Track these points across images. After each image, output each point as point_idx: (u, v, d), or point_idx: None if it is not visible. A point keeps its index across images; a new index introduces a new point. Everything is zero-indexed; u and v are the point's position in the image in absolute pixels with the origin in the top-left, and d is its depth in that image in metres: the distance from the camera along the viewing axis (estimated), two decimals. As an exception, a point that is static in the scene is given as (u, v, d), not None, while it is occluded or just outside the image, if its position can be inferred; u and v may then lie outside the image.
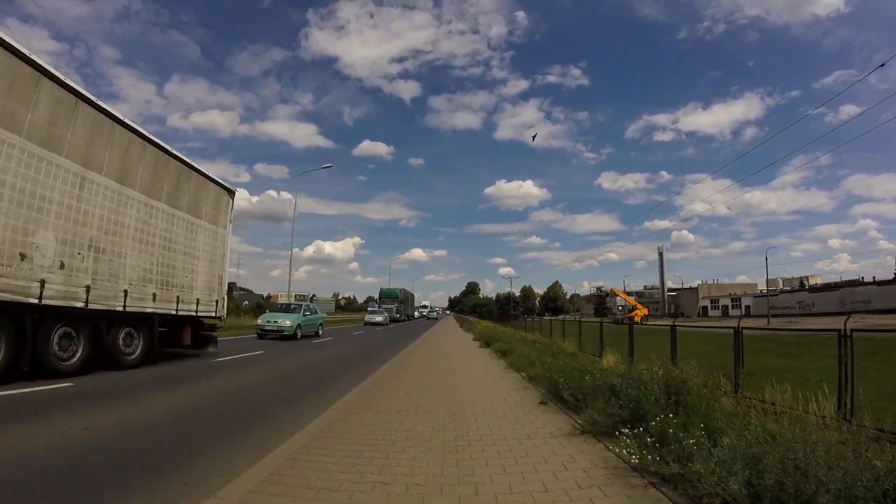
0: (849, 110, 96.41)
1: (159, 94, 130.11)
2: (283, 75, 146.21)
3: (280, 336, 20.10)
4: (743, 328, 7.17)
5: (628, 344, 10.50)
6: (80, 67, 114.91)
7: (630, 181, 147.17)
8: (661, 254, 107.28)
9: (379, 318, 42.27)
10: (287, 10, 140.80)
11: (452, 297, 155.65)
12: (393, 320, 47.15)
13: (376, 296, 54.58)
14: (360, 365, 12.68)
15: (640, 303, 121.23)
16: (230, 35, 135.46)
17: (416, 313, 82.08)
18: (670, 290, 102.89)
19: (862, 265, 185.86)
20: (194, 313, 12.35)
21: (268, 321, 20.56)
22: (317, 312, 24.43)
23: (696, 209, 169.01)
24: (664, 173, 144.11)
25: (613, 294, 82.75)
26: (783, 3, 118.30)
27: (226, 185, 14.16)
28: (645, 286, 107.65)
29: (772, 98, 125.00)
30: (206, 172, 13.21)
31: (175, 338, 12.40)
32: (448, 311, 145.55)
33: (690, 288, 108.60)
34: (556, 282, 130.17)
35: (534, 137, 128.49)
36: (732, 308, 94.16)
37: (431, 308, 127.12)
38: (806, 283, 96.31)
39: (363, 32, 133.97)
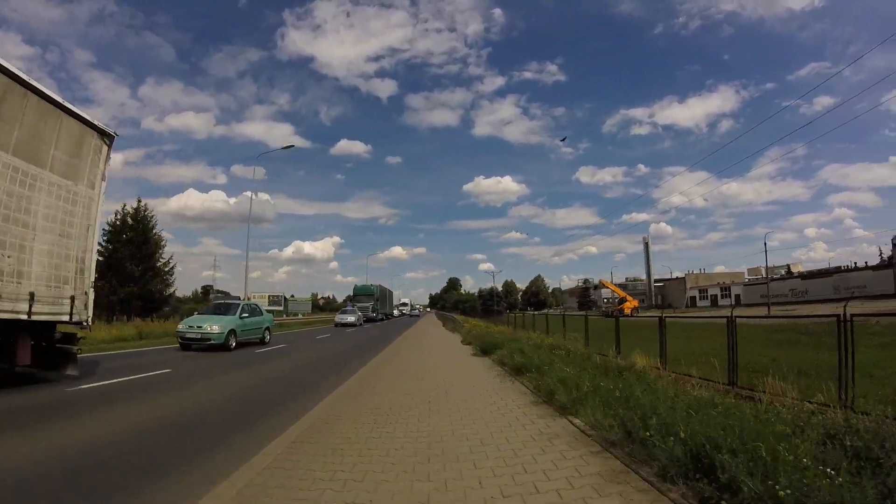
0: (823, 101, 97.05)
1: (134, 96, 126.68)
2: (260, 76, 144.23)
3: (207, 346, 15.35)
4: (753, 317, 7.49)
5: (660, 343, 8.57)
6: (54, 71, 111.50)
7: (608, 175, 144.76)
8: (646, 244, 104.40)
9: (350, 319, 37.50)
10: (263, 11, 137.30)
11: (433, 293, 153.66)
12: (368, 320, 43.00)
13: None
14: (298, 397, 8.01)
15: (629, 292, 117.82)
16: (206, 36, 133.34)
17: (396, 311, 77.30)
18: (656, 281, 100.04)
19: (838, 253, 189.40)
20: (25, 316, 7.67)
21: (189, 326, 15.65)
22: (261, 314, 19.50)
23: (674, 201, 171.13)
24: (642, 167, 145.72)
25: (602, 285, 79.12)
26: None
27: (97, 123, 9.40)
28: (627, 278, 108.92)
29: (747, 91, 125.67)
30: (59, 99, 8.50)
31: (3, 354, 7.80)
32: (429, 309, 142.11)
33: (677, 278, 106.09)
34: (539, 276, 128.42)
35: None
36: (722, 297, 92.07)
37: (412, 306, 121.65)
38: (789, 271, 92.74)
39: (340, 32, 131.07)
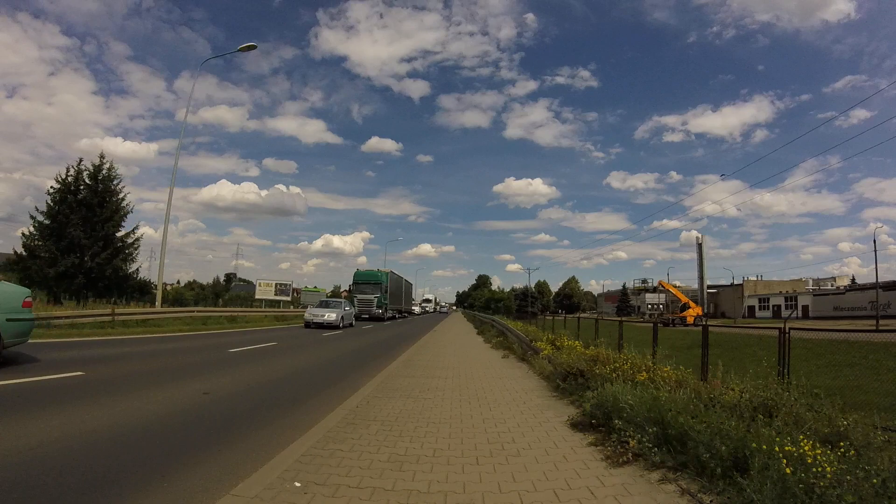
0: (860, 115, 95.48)
1: (169, 89, 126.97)
2: (293, 73, 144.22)
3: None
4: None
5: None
6: (91, 63, 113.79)
7: (639, 181, 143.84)
8: (699, 244, 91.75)
9: (330, 317, 25.57)
10: (297, 10, 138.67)
11: (460, 291, 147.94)
12: (373, 318, 32.31)
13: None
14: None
15: (675, 299, 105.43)
16: (240, 33, 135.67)
17: (417, 308, 67.54)
18: (708, 287, 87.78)
19: (871, 270, 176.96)
20: None
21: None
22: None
23: (706, 210, 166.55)
24: (674, 174, 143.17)
25: (661, 288, 68.03)
26: (793, 9, 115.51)
27: None
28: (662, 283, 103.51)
29: (782, 102, 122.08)
30: None
31: None
32: (455, 307, 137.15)
33: (732, 285, 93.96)
34: (573, 277, 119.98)
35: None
36: (786, 308, 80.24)
37: (438, 303, 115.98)
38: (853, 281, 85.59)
39: (373, 32, 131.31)
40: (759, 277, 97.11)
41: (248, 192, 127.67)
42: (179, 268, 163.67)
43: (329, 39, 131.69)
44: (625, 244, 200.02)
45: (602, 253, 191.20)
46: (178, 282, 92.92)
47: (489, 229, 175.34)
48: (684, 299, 62.38)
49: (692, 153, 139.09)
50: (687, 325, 40.92)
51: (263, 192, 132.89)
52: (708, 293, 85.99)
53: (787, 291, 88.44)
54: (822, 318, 62.17)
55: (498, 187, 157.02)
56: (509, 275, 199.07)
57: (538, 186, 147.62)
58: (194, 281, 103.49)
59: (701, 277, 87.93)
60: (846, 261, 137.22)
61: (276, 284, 43.76)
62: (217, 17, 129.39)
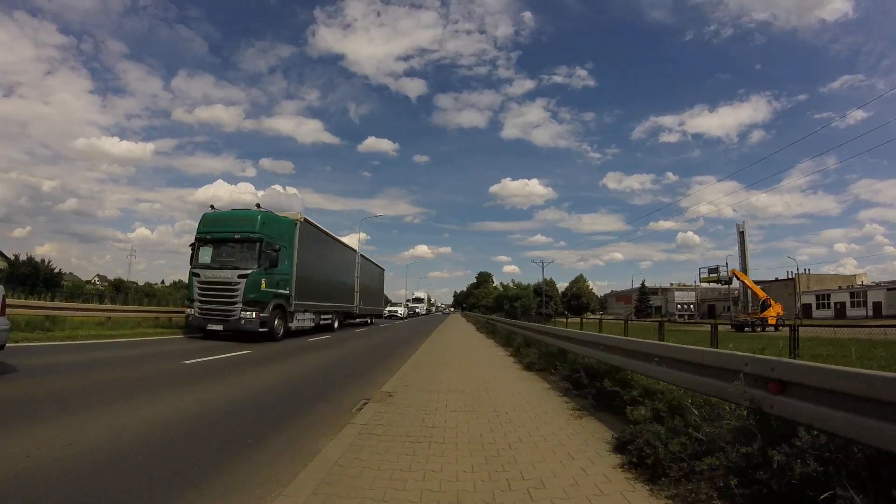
0: (857, 115, 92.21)
1: (166, 88, 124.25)
2: (290, 72, 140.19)
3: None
4: None
5: None
6: (88, 62, 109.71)
7: (636, 182, 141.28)
8: (741, 232, 72.72)
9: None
10: (294, 8, 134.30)
11: (458, 291, 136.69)
12: (237, 330, 12.58)
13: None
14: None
15: (709, 298, 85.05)
16: (237, 31, 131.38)
17: (402, 310, 47.64)
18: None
19: (867, 270, 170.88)
20: None
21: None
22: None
23: (702, 211, 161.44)
24: (670, 174, 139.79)
25: (735, 278, 49.47)
26: (791, 7, 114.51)
27: None
28: (673, 283, 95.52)
29: (779, 101, 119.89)
30: None
31: None
32: (453, 309, 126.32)
33: (782, 280, 75.58)
34: (580, 276, 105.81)
35: None
36: (852, 305, 62.10)
37: (434, 304, 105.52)
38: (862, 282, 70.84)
39: (370, 30, 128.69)
40: (808, 271, 79.00)
41: (245, 192, 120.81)
42: (176, 268, 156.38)
43: (326, 38, 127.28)
44: (621, 245, 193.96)
45: (598, 254, 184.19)
46: (163, 281, 78.19)
47: (486, 230, 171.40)
48: (763, 295, 44.08)
49: (689, 154, 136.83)
50: (766, 328, 30.33)
51: (260, 193, 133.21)
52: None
53: (850, 286, 70.45)
54: (902, 316, 45.95)
55: (494, 188, 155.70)
56: (506, 276, 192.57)
57: (535, 187, 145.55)
58: (180, 280, 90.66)
59: (744, 272, 68.62)
60: (842, 262, 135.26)
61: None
62: (214, 15, 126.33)
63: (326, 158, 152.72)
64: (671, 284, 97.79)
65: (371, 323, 27.01)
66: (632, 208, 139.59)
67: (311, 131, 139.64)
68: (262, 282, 12.79)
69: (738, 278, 49.01)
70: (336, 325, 19.17)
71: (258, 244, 12.90)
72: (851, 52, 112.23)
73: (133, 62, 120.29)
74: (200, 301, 13.00)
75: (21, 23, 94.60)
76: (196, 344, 11.79)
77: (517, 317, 36.21)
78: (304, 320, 15.42)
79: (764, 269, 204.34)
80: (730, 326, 31.79)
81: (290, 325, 14.36)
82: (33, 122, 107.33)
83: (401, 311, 45.94)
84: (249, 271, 12.67)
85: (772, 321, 31.99)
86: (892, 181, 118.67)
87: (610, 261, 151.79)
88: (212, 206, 14.18)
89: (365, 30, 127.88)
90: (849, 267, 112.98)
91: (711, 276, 50.29)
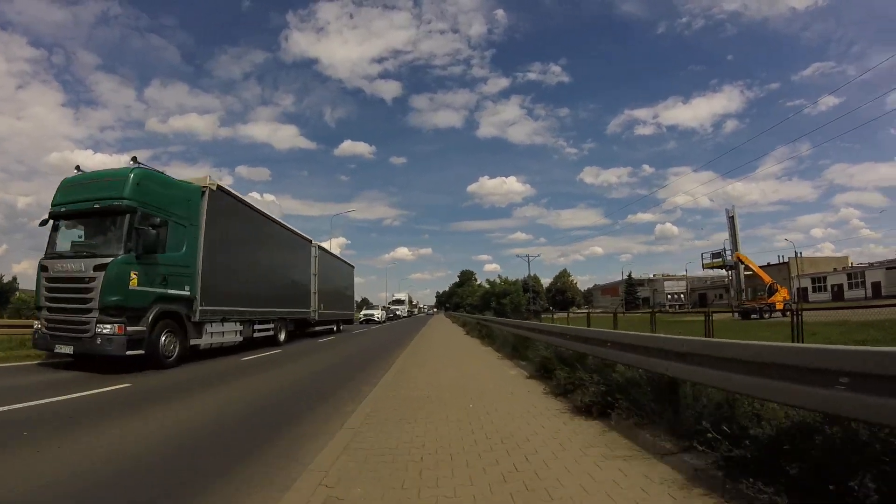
0: (828, 101, 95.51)
1: (139, 98, 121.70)
2: (264, 77, 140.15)
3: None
4: None
5: None
6: (59, 74, 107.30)
7: (613, 175, 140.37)
8: (731, 217, 69.92)
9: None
10: (267, 13, 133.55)
11: (440, 291, 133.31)
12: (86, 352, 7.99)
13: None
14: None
15: (699, 287, 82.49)
16: (210, 38, 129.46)
17: (378, 313, 42.02)
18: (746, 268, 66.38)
19: (844, 253, 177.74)
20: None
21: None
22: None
23: (679, 202, 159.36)
24: (647, 167, 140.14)
25: (739, 262, 46.10)
26: None
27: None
28: (660, 274, 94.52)
29: (751, 91, 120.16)
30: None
31: None
32: (436, 310, 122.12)
33: (771, 265, 73.49)
34: (564, 270, 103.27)
35: None
36: (850, 287, 60.15)
37: (416, 305, 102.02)
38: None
39: (343, 33, 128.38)
40: (799, 254, 76.77)
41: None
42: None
43: (299, 42, 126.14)
44: (601, 239, 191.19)
45: (578, 249, 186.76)
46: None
47: (465, 230, 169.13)
48: (768, 279, 41.03)
49: (664, 146, 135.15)
50: (773, 314, 27.66)
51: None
52: (745, 275, 64.29)
53: (845, 267, 69.08)
54: (897, 296, 44.10)
55: (472, 187, 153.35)
56: (487, 275, 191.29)
57: (512, 185, 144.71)
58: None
59: (724, 258, 65.95)
60: (820, 246, 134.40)
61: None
62: (186, 23, 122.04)
63: (303, 163, 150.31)
64: (654, 275, 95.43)
65: (338, 331, 22.23)
66: (610, 202, 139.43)
67: (286, 137, 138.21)
68: (132, 275, 8.02)
69: (742, 262, 45.60)
70: (283, 336, 14.34)
71: (127, 217, 8.15)
72: (822, 40, 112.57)
73: (105, 73, 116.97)
74: (48, 309, 8.28)
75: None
76: (45, 376, 7.46)
77: (506, 315, 31.89)
78: (222, 333, 10.61)
79: (747, 253, 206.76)
80: (735, 314, 28.91)
81: (195, 341, 9.62)
82: (7, 137, 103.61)
83: (378, 314, 40.98)
84: (110, 259, 7.93)
85: (779, 306, 29.21)
86: (865, 164, 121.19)
87: (590, 255, 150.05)
88: (77, 168, 9.29)
89: (338, 33, 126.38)
90: (826, 251, 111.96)
91: (715, 261, 46.67)
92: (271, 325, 13.36)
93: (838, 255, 76.49)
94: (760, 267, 62.70)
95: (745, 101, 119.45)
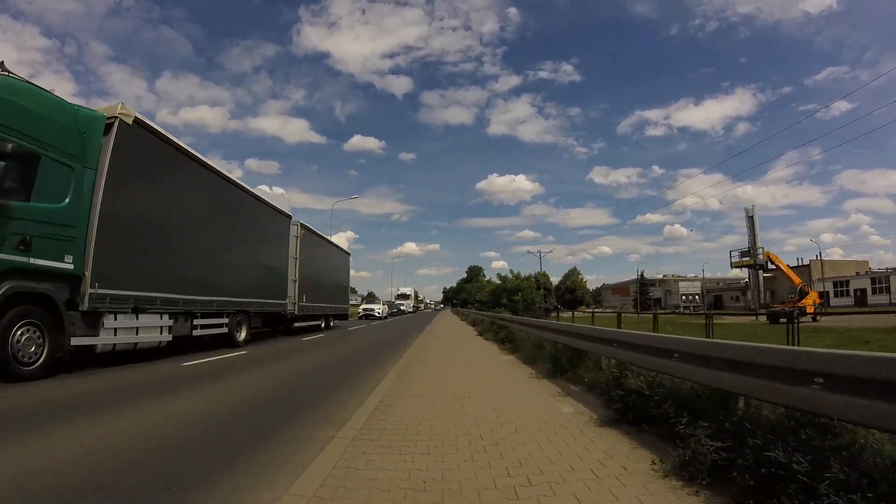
0: (841, 106, 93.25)
1: (150, 90, 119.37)
2: (275, 71, 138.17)
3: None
4: None
5: None
6: (71, 64, 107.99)
7: (622, 176, 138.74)
8: (751, 217, 66.73)
9: None
10: (279, 6, 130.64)
11: (447, 287, 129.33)
12: None
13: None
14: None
15: (714, 288, 79.24)
16: (222, 31, 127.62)
17: (379, 308, 37.19)
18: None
19: (855, 259, 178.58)
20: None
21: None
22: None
23: (689, 203, 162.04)
24: (656, 168, 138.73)
25: (770, 261, 42.96)
26: (775, 0, 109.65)
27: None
28: (665, 274, 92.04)
29: (763, 94, 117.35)
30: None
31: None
32: (443, 306, 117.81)
33: (791, 267, 68.98)
34: (574, 269, 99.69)
35: None
36: (874, 292, 56.31)
37: (422, 300, 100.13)
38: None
39: (355, 28, 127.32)
40: (818, 257, 73.44)
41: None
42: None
43: (311, 36, 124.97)
44: (609, 239, 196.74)
45: (586, 248, 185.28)
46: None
47: (473, 227, 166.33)
48: (798, 281, 37.80)
49: (675, 147, 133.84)
50: (806, 313, 24.75)
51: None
52: (763, 277, 61.20)
53: (868, 272, 66.20)
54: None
55: (481, 184, 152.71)
56: (495, 272, 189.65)
57: (522, 183, 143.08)
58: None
59: (754, 257, 62.59)
60: (828, 251, 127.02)
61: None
62: (197, 16, 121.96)
63: (313, 158, 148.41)
64: (664, 276, 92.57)
65: (327, 327, 19.01)
66: (619, 202, 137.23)
67: (296, 131, 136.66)
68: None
69: (772, 262, 42.21)
70: (243, 334, 11.12)
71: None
72: (835, 45, 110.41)
73: (117, 64, 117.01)
74: None
75: (4, 27, 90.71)
76: None
77: (518, 313, 28.82)
78: (134, 330, 7.40)
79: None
80: (758, 317, 26.81)
81: (84, 340, 6.45)
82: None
83: (379, 309, 36.85)
84: None
85: (810, 310, 26.82)
86: (876, 171, 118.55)
87: (598, 254, 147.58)
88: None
89: (350, 28, 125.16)
90: (834, 257, 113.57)
91: (745, 259, 43.37)
92: (224, 321, 10.13)
93: (859, 259, 73.17)
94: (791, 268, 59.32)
95: (758, 104, 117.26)
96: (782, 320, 26.65)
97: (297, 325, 15.19)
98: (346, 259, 23.02)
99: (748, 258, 42.12)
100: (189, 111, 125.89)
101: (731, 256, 44.75)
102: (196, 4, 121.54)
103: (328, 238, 19.17)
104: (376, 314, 35.19)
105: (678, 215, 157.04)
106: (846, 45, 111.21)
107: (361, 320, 32.33)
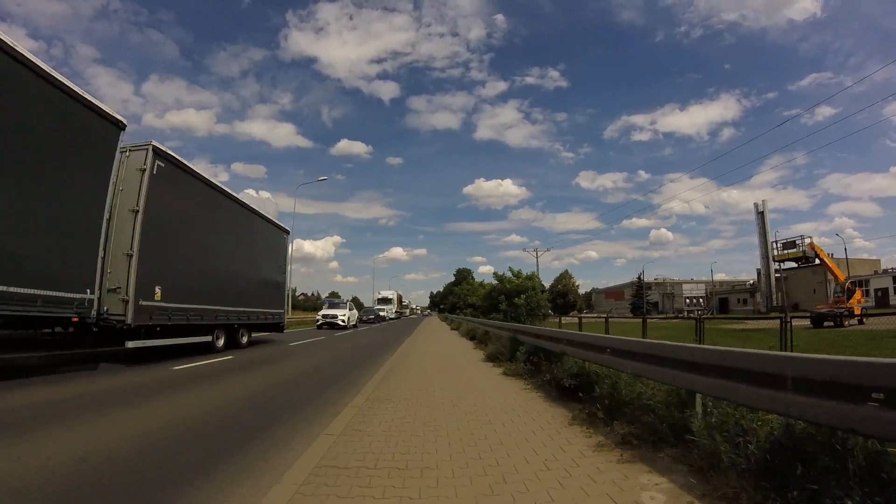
0: (825, 112, 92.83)
1: (137, 93, 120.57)
2: (263, 75, 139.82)
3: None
4: None
5: None
6: (58, 66, 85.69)
7: (608, 180, 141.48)
8: (761, 213, 61.92)
9: None
10: (267, 11, 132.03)
11: (434, 291, 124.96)
12: None
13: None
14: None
15: (719, 291, 72.16)
16: (209, 35, 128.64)
17: (344, 315, 28.28)
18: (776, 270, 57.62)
19: (865, 258, 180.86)
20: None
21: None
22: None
23: (675, 208, 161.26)
24: (642, 173, 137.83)
25: (814, 253, 36.99)
26: (760, 7, 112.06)
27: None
28: (657, 277, 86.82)
29: (748, 100, 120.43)
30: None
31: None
32: (429, 311, 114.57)
33: (805, 265, 64.02)
34: (566, 272, 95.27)
35: None
36: None
37: (407, 306, 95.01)
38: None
39: (342, 34, 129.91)
40: (832, 256, 68.26)
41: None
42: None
43: (299, 41, 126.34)
44: (595, 243, 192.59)
45: (573, 252, 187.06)
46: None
47: (461, 231, 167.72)
48: (842, 277, 32.23)
49: (660, 152, 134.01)
50: (854, 315, 21.03)
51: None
52: (776, 277, 55.59)
53: (888, 270, 61.10)
54: None
55: (468, 189, 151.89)
56: (482, 277, 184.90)
57: (508, 187, 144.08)
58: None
59: (765, 257, 56.94)
60: (829, 252, 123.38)
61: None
62: (185, 19, 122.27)
63: (300, 162, 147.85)
64: (655, 279, 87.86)
65: (237, 345, 12.07)
66: (605, 207, 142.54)
67: (284, 135, 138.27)
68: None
69: (817, 255, 36.11)
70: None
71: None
72: (819, 51, 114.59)
73: (104, 66, 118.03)
74: None
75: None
76: None
77: (520, 319, 21.87)
78: None
79: (738, 262, 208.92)
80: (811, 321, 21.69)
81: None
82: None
83: (343, 315, 28.16)
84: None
85: (857, 311, 23.37)
86: (861, 175, 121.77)
87: (585, 259, 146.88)
88: None
89: (337, 33, 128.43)
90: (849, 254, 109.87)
91: (789, 251, 36.90)
92: None
93: (869, 258, 68.01)
94: (795, 269, 53.14)
95: (742, 109, 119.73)
96: (827, 324, 20.70)
97: (132, 343, 8.04)
98: (280, 238, 15.74)
99: (794, 250, 35.59)
100: (176, 114, 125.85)
101: (772, 248, 38.43)
102: (183, 8, 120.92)
103: (231, 192, 11.52)
104: (339, 322, 27.38)
105: (664, 220, 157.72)
106: (830, 51, 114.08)
107: (321, 329, 25.18)
